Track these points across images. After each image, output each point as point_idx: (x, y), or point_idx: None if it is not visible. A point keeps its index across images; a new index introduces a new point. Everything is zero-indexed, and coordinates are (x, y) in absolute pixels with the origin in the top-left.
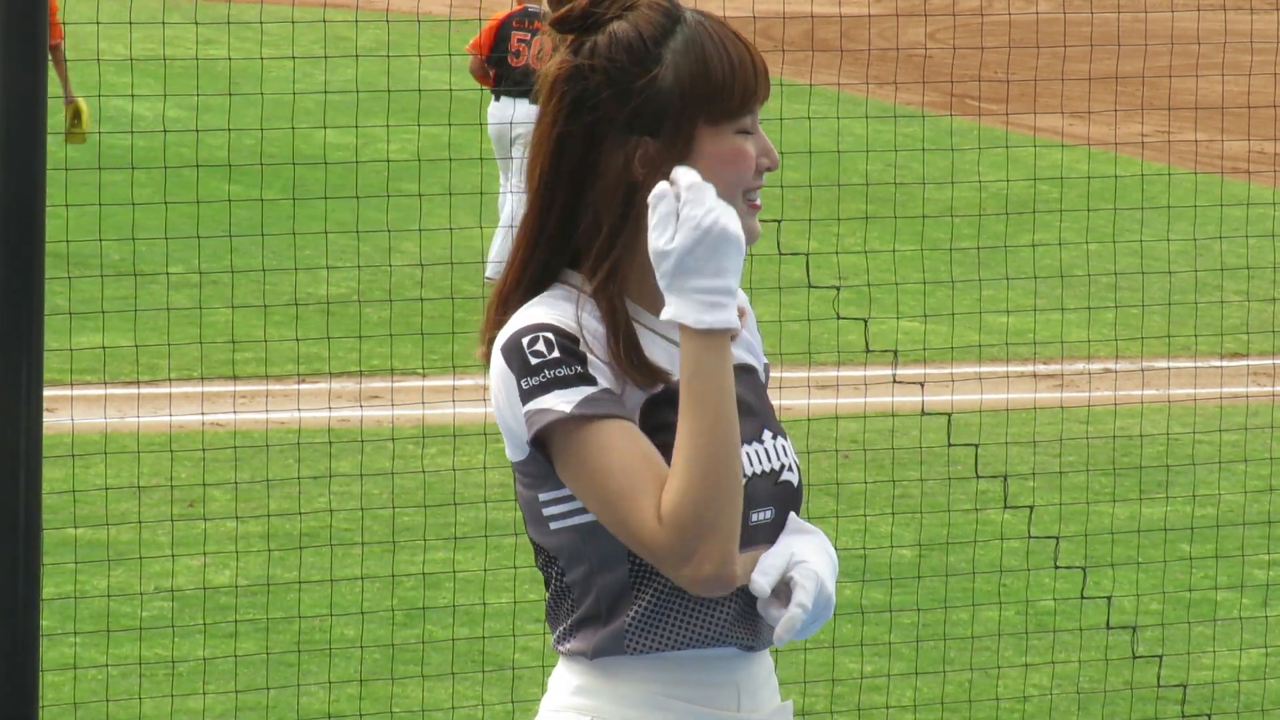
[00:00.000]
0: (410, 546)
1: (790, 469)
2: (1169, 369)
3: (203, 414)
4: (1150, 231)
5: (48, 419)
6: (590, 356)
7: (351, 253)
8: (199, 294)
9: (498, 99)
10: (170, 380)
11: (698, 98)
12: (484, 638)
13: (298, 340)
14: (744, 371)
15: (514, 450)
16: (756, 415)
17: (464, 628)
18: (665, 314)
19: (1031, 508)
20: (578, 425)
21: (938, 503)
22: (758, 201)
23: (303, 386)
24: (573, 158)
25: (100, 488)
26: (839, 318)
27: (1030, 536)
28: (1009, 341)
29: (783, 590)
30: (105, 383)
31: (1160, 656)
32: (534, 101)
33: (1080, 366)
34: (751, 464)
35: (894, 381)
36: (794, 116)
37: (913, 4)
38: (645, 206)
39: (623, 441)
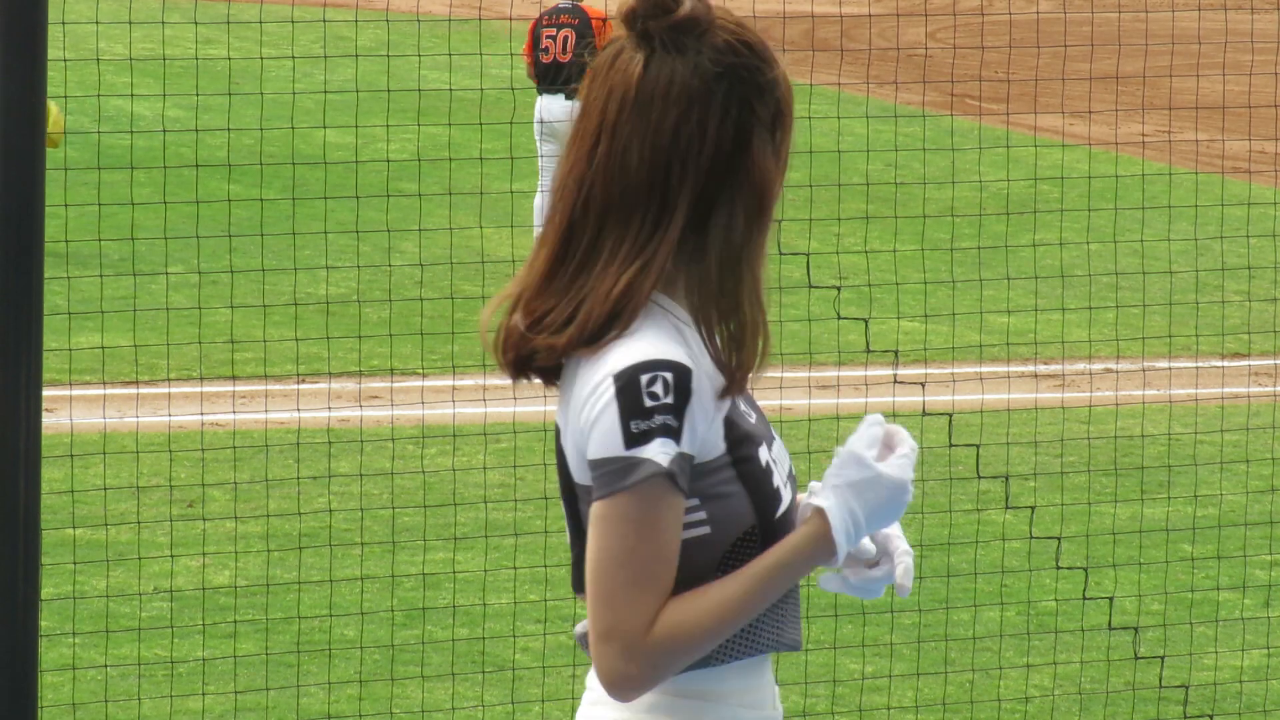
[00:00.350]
0: (410, 547)
1: (791, 471)
2: (1170, 369)
3: (202, 414)
4: (1151, 231)
5: (47, 419)
6: (688, 412)
7: (351, 253)
8: (198, 294)
9: (539, 95)
10: (169, 380)
11: (784, 110)
12: (484, 638)
13: (297, 340)
14: None
15: (585, 473)
16: (764, 420)
17: (464, 628)
18: (818, 500)
19: (1033, 508)
20: (654, 484)
21: (939, 503)
22: None
23: (302, 386)
24: (711, 159)
25: (99, 488)
26: (840, 318)
27: (1032, 537)
28: (1010, 342)
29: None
30: (104, 383)
31: (1162, 657)
32: (569, 97)
33: (1081, 366)
34: (780, 465)
35: (895, 382)
36: (795, 116)
37: (913, 4)
38: (769, 206)
39: (672, 527)
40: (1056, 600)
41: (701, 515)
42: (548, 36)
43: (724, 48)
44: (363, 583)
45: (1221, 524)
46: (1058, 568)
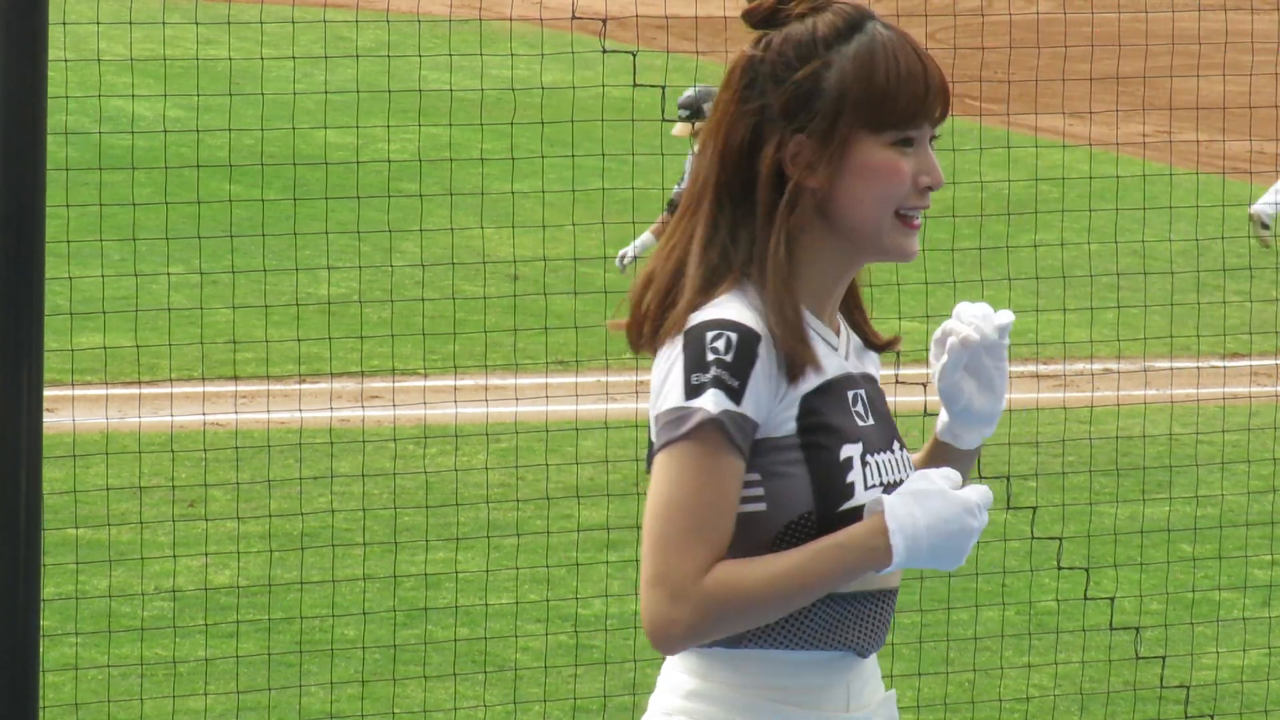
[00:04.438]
0: (411, 547)
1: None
2: (1171, 369)
3: (204, 414)
4: (1152, 231)
5: (48, 419)
6: (753, 376)
7: (352, 253)
8: (200, 294)
9: None
10: (171, 380)
11: (857, 102)
12: (485, 638)
13: (299, 340)
14: (869, 382)
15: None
16: (888, 426)
17: (465, 628)
18: (882, 501)
19: (1034, 508)
20: (707, 434)
21: None
22: (916, 221)
23: (304, 387)
24: (738, 149)
25: (101, 488)
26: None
27: (1033, 537)
28: (1011, 342)
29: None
30: (106, 383)
31: (1163, 657)
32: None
33: (1082, 367)
34: (881, 474)
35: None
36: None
37: (913, 4)
38: (804, 205)
39: (726, 482)
40: (1057, 600)
41: (759, 491)
42: None
43: (773, 42)
44: (364, 582)
45: (1222, 524)
46: (1059, 568)
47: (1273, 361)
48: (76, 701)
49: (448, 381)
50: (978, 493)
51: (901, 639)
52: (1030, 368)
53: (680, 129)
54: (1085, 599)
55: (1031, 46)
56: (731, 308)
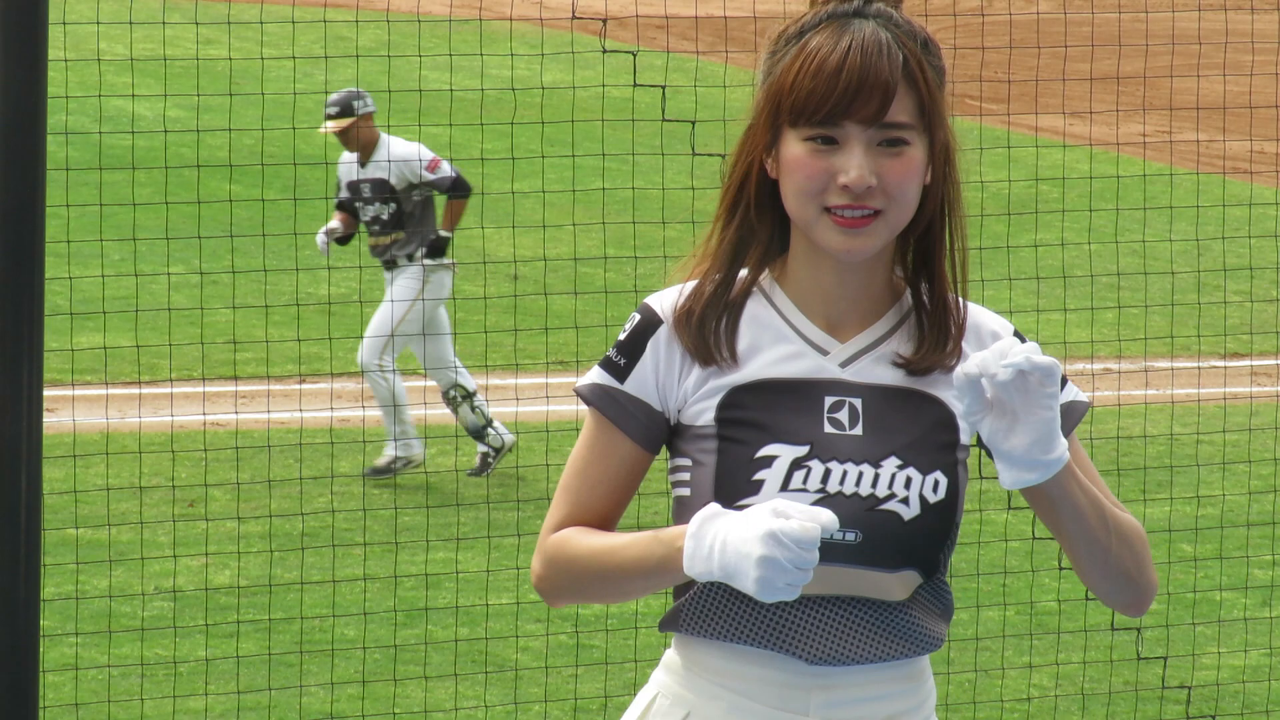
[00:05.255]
0: (412, 547)
1: (904, 502)
2: (1172, 369)
3: (204, 414)
4: (1152, 231)
5: (49, 419)
6: (642, 357)
7: (352, 253)
8: (200, 294)
9: None
10: (171, 380)
11: (774, 95)
12: (486, 638)
13: (299, 340)
14: (872, 392)
15: None
16: (885, 441)
17: (465, 628)
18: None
19: None
20: (591, 406)
21: None
22: (846, 218)
23: (304, 386)
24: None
25: (101, 488)
26: None
27: (1034, 538)
28: None
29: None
30: (106, 383)
31: (1164, 657)
32: None
33: (1083, 366)
34: (828, 482)
35: None
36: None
37: (913, 4)
38: (768, 188)
39: (597, 452)
40: (1058, 600)
41: (686, 476)
42: None
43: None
44: (365, 583)
45: (1223, 524)
46: (1060, 568)
47: (1273, 361)
48: (77, 701)
49: None
50: (786, 525)
51: None
52: None
53: (330, 126)
54: (1086, 599)
55: (1031, 46)
56: (670, 291)
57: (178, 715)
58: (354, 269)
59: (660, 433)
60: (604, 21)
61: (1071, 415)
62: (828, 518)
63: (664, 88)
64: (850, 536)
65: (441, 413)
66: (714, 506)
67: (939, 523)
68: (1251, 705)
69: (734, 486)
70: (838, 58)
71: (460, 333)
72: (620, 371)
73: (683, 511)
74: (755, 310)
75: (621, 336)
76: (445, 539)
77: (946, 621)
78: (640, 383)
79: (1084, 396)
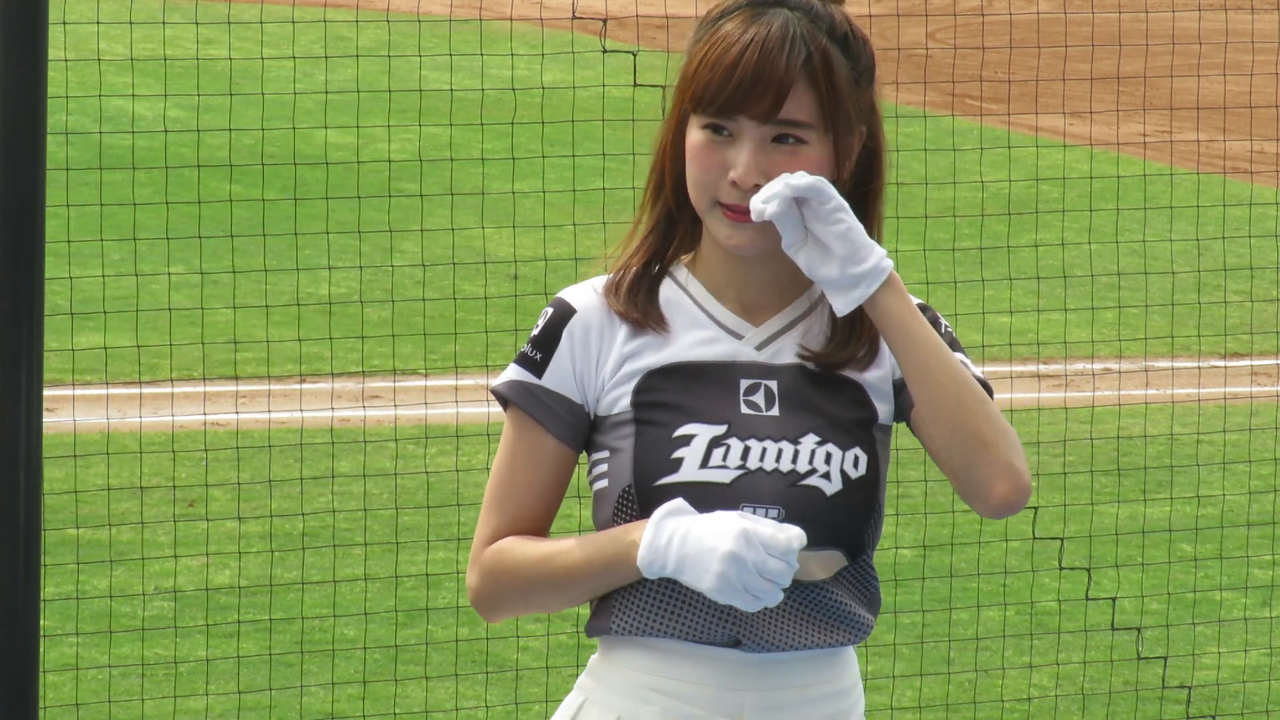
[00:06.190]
0: (412, 546)
1: (826, 477)
2: (1172, 369)
3: (204, 414)
4: (1152, 231)
5: (49, 419)
6: (558, 350)
7: (352, 253)
8: (200, 294)
9: None
10: (172, 380)
11: (682, 79)
12: (487, 639)
13: (299, 340)
14: (788, 373)
15: None
16: (803, 421)
17: (466, 628)
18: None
19: (1035, 509)
20: (509, 408)
21: (940, 503)
22: (732, 213)
23: (305, 386)
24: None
25: (102, 488)
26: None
27: (1034, 538)
28: (1012, 342)
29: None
30: (107, 383)
31: (1164, 657)
32: None
33: (1083, 366)
34: (748, 459)
35: None
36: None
37: (913, 4)
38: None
39: (520, 454)
40: (1059, 600)
41: (604, 468)
42: None
43: None
44: (365, 583)
45: (1223, 524)
46: (1060, 568)
47: (1273, 361)
48: (77, 702)
49: (449, 381)
50: (759, 526)
51: (903, 639)
52: (1031, 367)
53: None
54: (1087, 599)
55: (1031, 46)
56: (583, 284)
57: (178, 715)
58: (354, 269)
59: (583, 427)
60: (604, 21)
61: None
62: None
63: (664, 88)
64: (773, 514)
65: (442, 413)
66: (679, 502)
67: (861, 499)
68: (1251, 705)
69: (652, 466)
70: (737, 51)
71: (460, 333)
72: (537, 366)
73: (601, 506)
74: (669, 295)
75: (535, 332)
76: (445, 539)
77: (873, 611)
78: (558, 375)
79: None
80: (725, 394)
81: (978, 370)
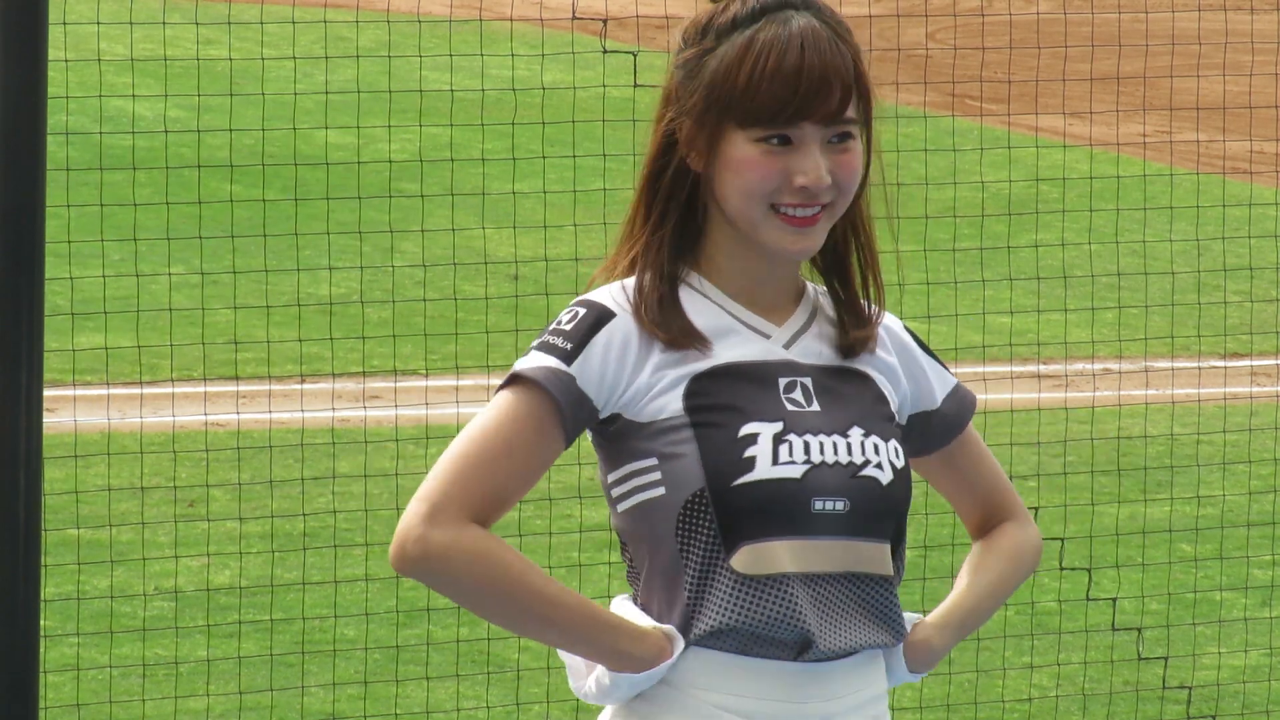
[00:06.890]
0: None
1: (879, 467)
2: (1172, 369)
3: (205, 414)
4: (1152, 231)
5: (49, 419)
6: (592, 344)
7: (353, 253)
8: (201, 294)
9: None
10: (172, 380)
11: (722, 96)
12: (488, 639)
13: (300, 340)
14: (821, 371)
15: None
16: (847, 413)
17: (466, 628)
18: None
19: (1036, 509)
20: (520, 386)
21: (940, 504)
22: (796, 216)
23: (305, 387)
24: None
25: (102, 488)
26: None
27: None
28: (1012, 342)
29: None
30: (107, 383)
31: (1165, 658)
32: None
33: (1083, 367)
34: (810, 452)
35: None
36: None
37: (913, 4)
38: (703, 189)
39: (524, 435)
40: (1059, 600)
41: (657, 476)
42: None
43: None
44: (366, 583)
45: (1223, 524)
46: (1060, 568)
47: (1273, 361)
48: (77, 702)
49: (449, 381)
50: None
51: None
52: (1031, 368)
53: None
54: (1087, 599)
55: (1031, 46)
56: (602, 291)
57: (179, 715)
58: (355, 269)
59: (583, 430)
60: (604, 22)
61: (963, 408)
62: None
63: (662, 88)
64: (840, 505)
65: (442, 412)
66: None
67: (906, 490)
68: (1251, 705)
69: (725, 466)
70: (794, 58)
71: (460, 333)
72: (567, 356)
73: (656, 514)
74: (693, 303)
75: (563, 325)
76: None
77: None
78: (585, 371)
79: (970, 393)
80: (768, 392)
81: (954, 379)
